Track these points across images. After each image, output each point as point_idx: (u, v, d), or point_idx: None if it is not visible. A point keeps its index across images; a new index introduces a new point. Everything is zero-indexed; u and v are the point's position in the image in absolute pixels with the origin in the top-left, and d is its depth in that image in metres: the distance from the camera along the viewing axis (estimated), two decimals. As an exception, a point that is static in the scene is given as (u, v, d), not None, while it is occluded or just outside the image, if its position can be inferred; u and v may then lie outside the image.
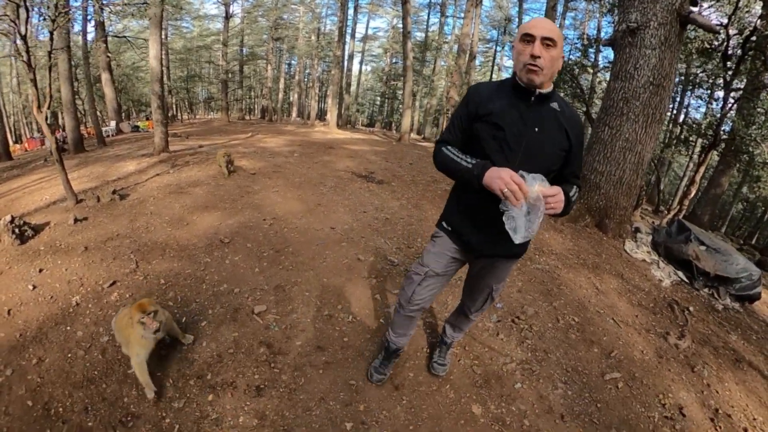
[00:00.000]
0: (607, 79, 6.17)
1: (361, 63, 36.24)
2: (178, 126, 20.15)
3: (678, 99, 14.23)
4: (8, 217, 4.07)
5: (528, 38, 1.46)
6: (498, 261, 1.85)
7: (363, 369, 2.40)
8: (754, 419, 3.03)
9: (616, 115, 5.17)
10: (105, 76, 16.51)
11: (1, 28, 4.91)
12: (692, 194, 7.48)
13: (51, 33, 5.01)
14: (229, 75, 26.52)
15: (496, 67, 30.32)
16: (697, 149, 8.70)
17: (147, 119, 22.64)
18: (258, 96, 38.60)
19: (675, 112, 14.19)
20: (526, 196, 1.33)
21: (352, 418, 2.08)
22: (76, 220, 4.55)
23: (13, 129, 28.58)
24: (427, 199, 6.11)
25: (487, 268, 1.90)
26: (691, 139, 8.10)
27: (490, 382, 2.41)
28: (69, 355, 2.58)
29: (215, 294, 3.08)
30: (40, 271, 3.51)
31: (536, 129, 1.54)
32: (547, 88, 1.56)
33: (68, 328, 2.80)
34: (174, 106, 29.54)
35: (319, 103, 34.50)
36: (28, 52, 4.47)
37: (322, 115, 34.98)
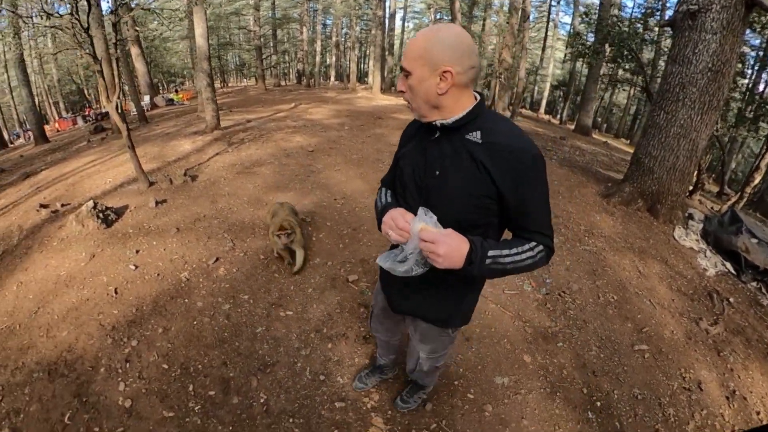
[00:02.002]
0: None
1: (403, 20, 35.55)
2: (214, 96, 20.91)
3: (751, 73, 13.67)
4: (91, 203, 4.50)
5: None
6: (418, 321, 1.76)
7: None
8: None
9: (672, 100, 5.52)
10: (135, 51, 17.17)
11: (60, 22, 4.98)
12: (755, 182, 7.73)
13: (114, 25, 5.60)
14: (263, 40, 26.76)
15: (551, 24, 29.28)
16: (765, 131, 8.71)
17: (177, 91, 23.63)
18: (293, 60, 38.89)
19: (749, 86, 13.73)
20: (408, 234, 1.27)
21: None
22: (157, 203, 5.07)
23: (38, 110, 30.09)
24: None
25: (413, 327, 1.85)
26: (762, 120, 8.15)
27: (537, 340, 3.26)
28: (195, 323, 3.16)
29: (312, 266, 3.90)
30: (137, 252, 4.02)
31: (437, 173, 1.35)
32: (455, 115, 1.29)
33: (186, 300, 3.39)
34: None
35: (358, 65, 34.41)
36: (92, 44, 4.82)
37: (362, 77, 34.94)
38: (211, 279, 3.69)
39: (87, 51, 4.72)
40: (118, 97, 10.76)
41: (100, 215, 4.47)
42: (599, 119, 28.21)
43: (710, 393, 3.50)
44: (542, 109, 30.73)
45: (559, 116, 27.90)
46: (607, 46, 9.74)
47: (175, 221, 4.67)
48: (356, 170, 6.44)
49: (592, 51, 10.23)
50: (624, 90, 27.32)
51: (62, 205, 5.42)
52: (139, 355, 2.89)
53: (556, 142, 10.79)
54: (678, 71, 5.42)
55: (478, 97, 1.33)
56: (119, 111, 5.28)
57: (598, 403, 2.98)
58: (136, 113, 13.39)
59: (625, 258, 4.92)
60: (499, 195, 1.28)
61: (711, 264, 5.48)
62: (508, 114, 15.95)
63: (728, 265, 5.54)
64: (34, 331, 3.13)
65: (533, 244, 1.37)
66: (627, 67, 8.87)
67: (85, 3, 5.08)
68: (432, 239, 1.19)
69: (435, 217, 1.25)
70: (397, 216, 1.30)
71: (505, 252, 1.30)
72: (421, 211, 1.25)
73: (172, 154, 7.43)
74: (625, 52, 8.42)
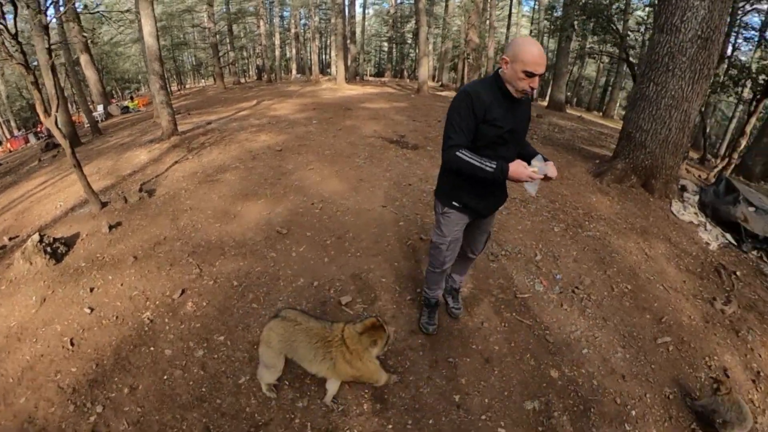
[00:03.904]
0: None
1: (363, 7, 35.50)
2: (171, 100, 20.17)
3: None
4: (36, 236, 4.08)
5: (530, 74, 2.07)
6: (493, 214, 2.75)
7: (457, 347, 3.04)
8: None
9: (661, 71, 5.50)
10: (84, 58, 16.20)
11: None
12: (742, 146, 7.92)
13: (46, 27, 5.09)
14: (218, 37, 26.28)
15: (515, 1, 29.63)
16: (745, 93, 8.97)
17: (132, 98, 22.92)
18: (251, 56, 38.51)
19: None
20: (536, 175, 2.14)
21: (458, 391, 2.74)
22: (110, 228, 4.66)
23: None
24: None
25: (486, 220, 2.78)
26: (740, 82, 8.37)
27: (561, 349, 3.08)
28: (165, 378, 2.79)
29: (296, 290, 3.53)
30: (92, 290, 3.64)
31: (521, 122, 2.37)
32: None
33: (152, 348, 3.01)
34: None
35: (320, 56, 34.18)
36: (23, 52, 4.35)
37: (324, 69, 34.73)
38: (178, 318, 3.30)
39: (18, 60, 4.32)
40: (60, 110, 10.20)
41: (48, 249, 4.09)
42: (569, 93, 28.78)
43: (737, 378, 3.46)
44: None
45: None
46: (583, 19, 9.79)
47: (132, 248, 4.29)
48: (331, 168, 6.11)
49: (570, 25, 10.25)
50: (593, 62, 27.98)
51: (10, 239, 5.01)
52: (107, 425, 2.55)
53: (533, 121, 10.75)
54: (666, 40, 5.39)
55: None
56: (59, 126, 4.84)
57: (633, 412, 2.84)
58: (88, 125, 12.83)
59: (629, 241, 4.85)
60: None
61: (712, 237, 5.50)
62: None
63: (728, 236, 5.58)
64: (-11, 398, 2.76)
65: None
66: (606, 39, 8.89)
67: (11, 6, 4.54)
68: (550, 167, 2.23)
69: (539, 156, 2.32)
70: (521, 166, 2.11)
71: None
72: (538, 157, 2.30)
73: (127, 166, 6.99)
74: (604, 24, 8.42)
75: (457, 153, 2.18)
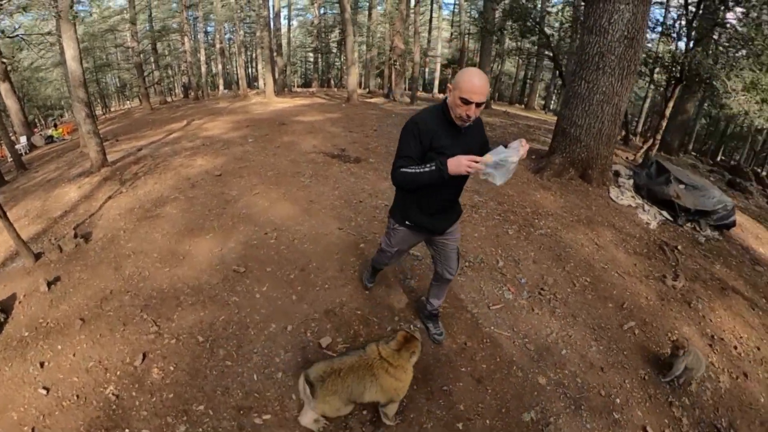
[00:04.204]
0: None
1: (288, 18, 35.17)
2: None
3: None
4: None
5: (466, 102, 2.14)
6: (451, 229, 2.76)
7: (447, 373, 3.01)
8: (741, 337, 4.12)
9: (592, 70, 5.93)
10: (4, 87, 15.03)
11: None
12: (663, 128, 8.63)
13: None
14: (143, 56, 25.16)
15: (436, 5, 30.78)
16: (656, 77, 9.81)
17: (56, 125, 21.34)
18: (176, 74, 37.17)
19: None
20: (486, 162, 2.08)
21: (459, 418, 2.72)
22: (49, 285, 4.13)
23: None
24: None
25: (449, 237, 2.79)
26: (654, 70, 9.16)
27: (543, 355, 3.18)
28: None
29: (269, 337, 3.25)
30: (42, 365, 3.20)
31: (471, 149, 2.24)
32: None
33: (126, 431, 2.70)
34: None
35: (247, 70, 33.61)
36: None
37: (251, 83, 34.19)
38: (146, 389, 2.94)
39: None
40: None
41: (-19, 319, 3.58)
42: (491, 90, 30.11)
43: (697, 346, 3.71)
44: (436, 89, 32.22)
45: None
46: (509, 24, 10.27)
47: (77, 307, 3.82)
48: (278, 191, 5.84)
49: (498, 29, 10.75)
50: (511, 58, 29.47)
51: None
52: None
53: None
54: (595, 41, 5.81)
55: None
56: None
57: (617, 400, 2.99)
58: (12, 160, 11.62)
59: (578, 233, 5.11)
60: (485, 141, 2.55)
61: (651, 216, 5.92)
62: (407, 100, 16.24)
63: (665, 213, 6.05)
64: None
65: None
66: (534, 40, 9.39)
67: None
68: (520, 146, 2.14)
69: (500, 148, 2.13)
70: (470, 159, 2.08)
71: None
72: (497, 149, 2.11)
73: (58, 206, 6.33)
74: (531, 26, 8.88)
75: (400, 169, 2.25)
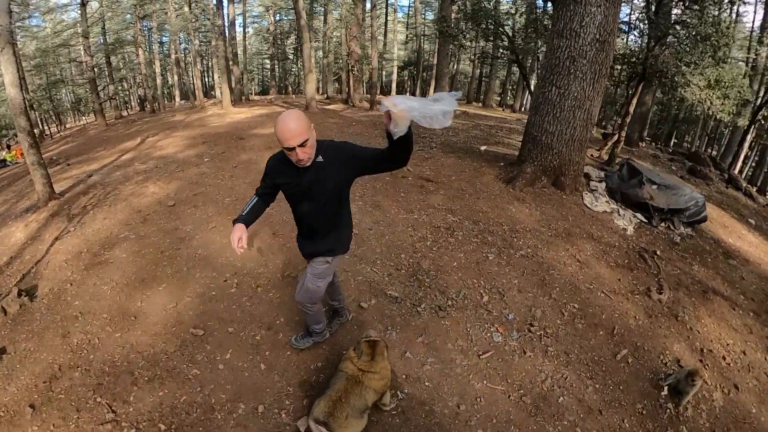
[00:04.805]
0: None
1: (243, 27, 34.64)
2: (49, 146, 17.65)
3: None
4: None
5: (289, 149, 2.23)
6: (315, 258, 2.85)
7: None
8: (727, 345, 4.10)
9: (563, 75, 5.78)
10: None
11: None
12: (627, 124, 8.71)
13: None
14: (96, 71, 24.25)
15: (390, 8, 30.78)
16: (617, 73, 9.97)
17: (9, 147, 19.91)
18: (132, 86, 36.03)
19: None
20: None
21: None
22: None
23: None
24: (383, 193, 6.20)
25: (310, 263, 2.93)
26: (618, 68, 9.31)
27: (539, 407, 2.98)
28: None
29: (239, 422, 2.88)
30: None
31: (310, 187, 2.45)
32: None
33: None
34: (39, 122, 26.64)
35: (203, 80, 33.05)
36: None
37: (207, 92, 33.74)
38: None
39: None
40: None
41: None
42: (447, 89, 30.41)
43: (688, 365, 3.65)
44: (393, 92, 32.28)
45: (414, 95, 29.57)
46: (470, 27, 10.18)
47: (27, 389, 3.32)
48: None
49: (459, 31, 10.64)
50: (466, 57, 29.81)
51: None
52: None
53: (426, 128, 10.88)
54: (566, 45, 5.66)
55: None
56: None
57: (620, 446, 2.85)
58: None
59: (559, 249, 4.97)
60: (358, 162, 2.41)
61: (627, 221, 5.87)
62: (366, 105, 15.98)
63: (639, 215, 6.03)
64: None
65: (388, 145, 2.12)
66: (498, 43, 9.29)
67: None
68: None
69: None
70: (236, 231, 2.47)
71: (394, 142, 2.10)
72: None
73: (3, 251, 5.78)
74: (492, 28, 8.78)
75: (253, 197, 2.71)
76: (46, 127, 28.08)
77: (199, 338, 3.60)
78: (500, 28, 9.16)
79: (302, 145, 2.21)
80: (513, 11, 11.19)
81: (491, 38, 9.57)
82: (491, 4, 9.83)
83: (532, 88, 10.81)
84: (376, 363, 2.67)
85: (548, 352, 3.46)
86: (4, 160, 17.15)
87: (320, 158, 2.39)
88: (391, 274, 4.33)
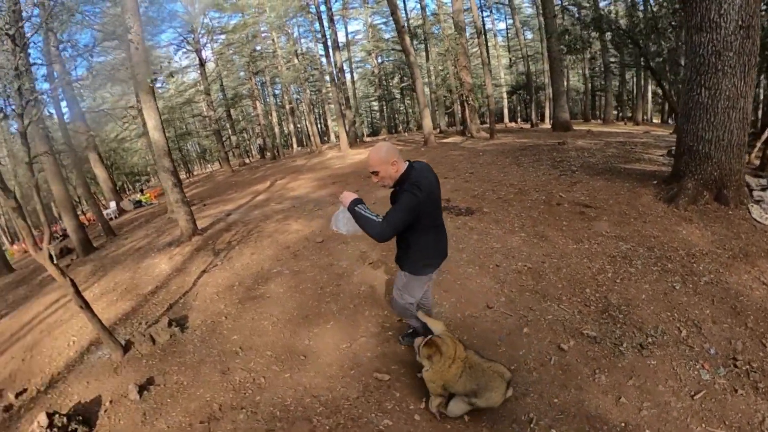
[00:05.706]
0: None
1: (351, 73, 37.72)
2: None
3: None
4: (43, 418, 3.15)
5: (373, 173, 2.93)
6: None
7: None
8: None
9: (710, 73, 5.38)
10: (93, 157, 17.22)
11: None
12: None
13: (23, 134, 3.68)
14: (219, 123, 28.08)
15: (491, 34, 31.27)
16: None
17: (143, 191, 23.66)
18: (251, 136, 40.99)
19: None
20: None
21: None
22: (140, 390, 3.61)
23: (6, 229, 29.35)
24: (544, 223, 6.09)
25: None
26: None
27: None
28: None
29: None
30: None
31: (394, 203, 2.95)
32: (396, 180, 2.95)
33: None
34: (172, 170, 31.69)
35: (316, 126, 36.35)
36: None
37: (321, 137, 36.36)
38: None
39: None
40: (69, 215, 9.67)
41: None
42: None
43: None
44: (506, 118, 32.32)
45: (529, 120, 29.55)
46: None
47: (178, 428, 3.16)
48: (393, 257, 5.35)
49: (585, 44, 10.43)
50: (576, 73, 28.95)
51: (17, 395, 4.13)
52: None
53: (559, 151, 10.57)
54: (708, 39, 5.28)
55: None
56: (54, 261, 3.99)
57: None
58: (101, 226, 12.64)
59: (741, 272, 4.61)
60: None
61: (809, 236, 5.29)
62: (485, 135, 16.11)
63: (813, 226, 5.36)
64: None
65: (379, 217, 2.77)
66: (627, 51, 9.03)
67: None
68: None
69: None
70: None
71: (366, 212, 2.81)
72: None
73: (148, 280, 6.07)
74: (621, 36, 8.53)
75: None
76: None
77: (385, 384, 3.41)
78: (628, 36, 8.73)
79: (374, 173, 2.90)
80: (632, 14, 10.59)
81: (613, 46, 9.20)
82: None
83: (673, 94, 10.03)
84: (442, 361, 2.94)
85: (759, 388, 3.26)
86: (140, 201, 20.23)
87: (400, 188, 2.89)
88: (581, 311, 4.25)
